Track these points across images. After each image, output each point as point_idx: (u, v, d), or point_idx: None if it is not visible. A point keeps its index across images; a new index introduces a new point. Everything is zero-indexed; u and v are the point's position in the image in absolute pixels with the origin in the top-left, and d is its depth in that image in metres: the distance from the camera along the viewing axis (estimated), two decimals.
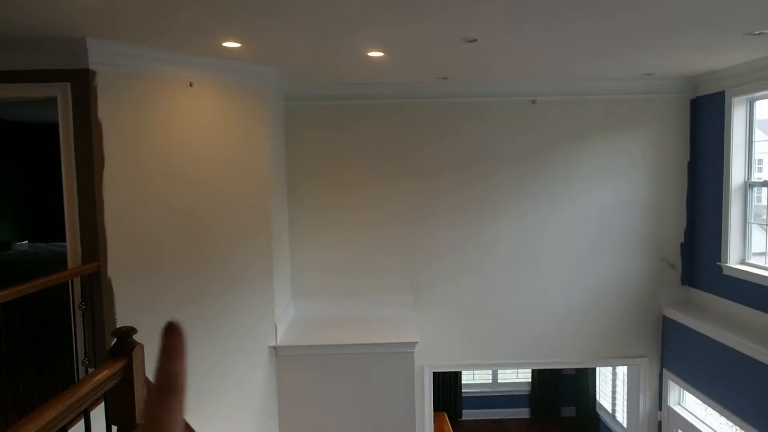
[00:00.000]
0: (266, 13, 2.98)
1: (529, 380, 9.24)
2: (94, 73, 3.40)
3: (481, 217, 5.36)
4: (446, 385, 9.02)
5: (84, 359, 3.45)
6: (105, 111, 3.50)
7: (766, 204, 4.82)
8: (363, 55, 3.91)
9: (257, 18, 3.06)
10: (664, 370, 5.40)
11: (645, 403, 5.50)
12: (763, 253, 4.74)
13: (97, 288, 3.54)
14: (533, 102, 5.24)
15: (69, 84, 3.40)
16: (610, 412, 8.09)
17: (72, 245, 3.55)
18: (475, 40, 3.50)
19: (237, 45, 3.60)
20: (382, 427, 4.68)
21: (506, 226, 5.37)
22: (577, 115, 5.27)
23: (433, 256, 5.39)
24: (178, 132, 3.89)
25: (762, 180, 4.70)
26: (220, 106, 4.14)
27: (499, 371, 9.29)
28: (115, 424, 1.67)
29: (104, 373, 1.55)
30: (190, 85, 3.91)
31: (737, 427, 4.43)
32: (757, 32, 3.47)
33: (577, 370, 8.83)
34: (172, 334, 0.43)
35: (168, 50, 3.70)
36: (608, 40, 3.63)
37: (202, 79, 3.97)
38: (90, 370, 3.37)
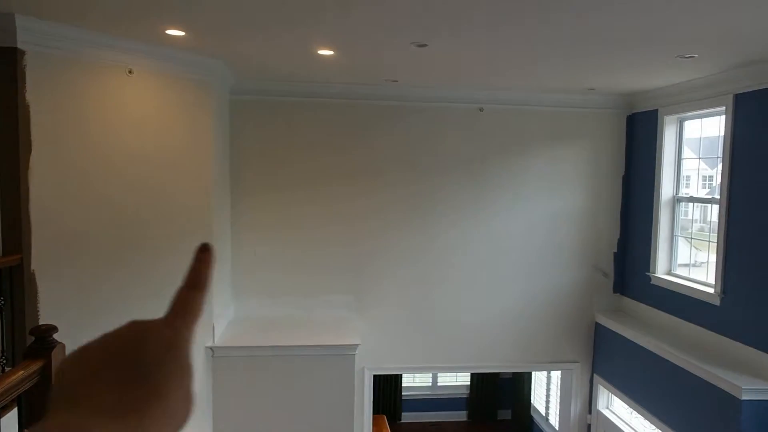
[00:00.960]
0: (212, 3, 2.89)
1: (468, 383, 9.40)
2: (22, 52, 3.18)
3: (425, 221, 5.41)
4: (387, 387, 9.03)
5: (1, 358, 3.21)
6: (34, 94, 3.27)
7: (691, 218, 5.11)
8: (313, 53, 3.86)
9: (202, 6, 2.96)
10: (595, 375, 5.62)
11: (576, 407, 5.70)
12: (687, 264, 5.03)
13: (18, 282, 3.31)
14: (480, 109, 5.35)
15: None
16: (544, 415, 8.35)
17: None
18: (425, 45, 3.53)
19: (181, 33, 3.46)
20: (321, 429, 4.62)
21: (448, 232, 5.44)
22: (521, 124, 5.42)
23: (376, 259, 5.38)
24: (114, 120, 3.70)
25: (689, 195, 4.98)
26: (161, 95, 3.98)
27: (439, 375, 9.40)
28: (28, 429, 1.55)
29: (19, 375, 1.43)
30: (130, 72, 3.72)
31: (659, 430, 4.66)
32: (688, 56, 3.67)
33: (514, 374, 9.06)
34: (206, 249, 0.52)
35: (106, 34, 3.51)
36: (553, 51, 3.75)
37: (142, 66, 3.80)
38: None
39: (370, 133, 5.28)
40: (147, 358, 0.44)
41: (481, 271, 5.49)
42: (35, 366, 1.48)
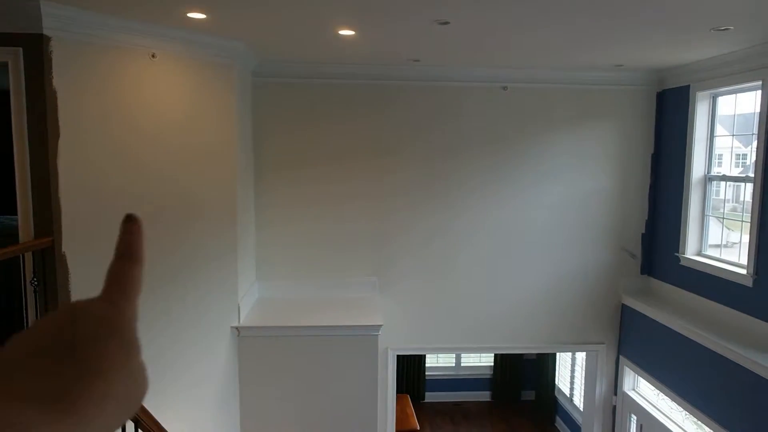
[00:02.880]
0: None
1: (492, 364, 9.41)
2: (48, 38, 3.22)
3: (448, 201, 5.37)
4: (410, 367, 9.11)
5: None
6: (61, 80, 3.33)
7: (723, 198, 4.96)
8: (334, 33, 3.82)
9: None
10: (621, 356, 5.56)
11: (601, 388, 5.67)
12: (718, 245, 4.90)
13: (50, 264, 3.41)
14: (504, 88, 5.25)
15: (21, 49, 3.21)
16: (568, 396, 8.33)
17: (24, 219, 3.39)
18: (447, 23, 3.46)
19: (202, 16, 3.46)
20: (345, 409, 4.69)
21: (474, 213, 5.40)
22: (547, 103, 5.31)
23: (399, 241, 5.38)
24: (139, 104, 3.74)
25: (721, 174, 4.83)
26: (185, 79, 4.00)
27: (463, 355, 9.43)
28: None
29: None
30: (153, 56, 3.75)
31: (686, 412, 4.61)
32: (723, 28, 3.52)
33: (538, 355, 9.04)
34: (132, 219, 0.47)
35: (129, 18, 3.53)
36: (581, 30, 3.64)
37: (165, 50, 3.82)
38: None
39: (392, 114, 5.24)
40: (81, 337, 0.40)
41: (506, 252, 5.45)
42: None
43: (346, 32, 3.79)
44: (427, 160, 5.30)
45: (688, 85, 4.87)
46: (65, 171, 3.41)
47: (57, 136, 3.36)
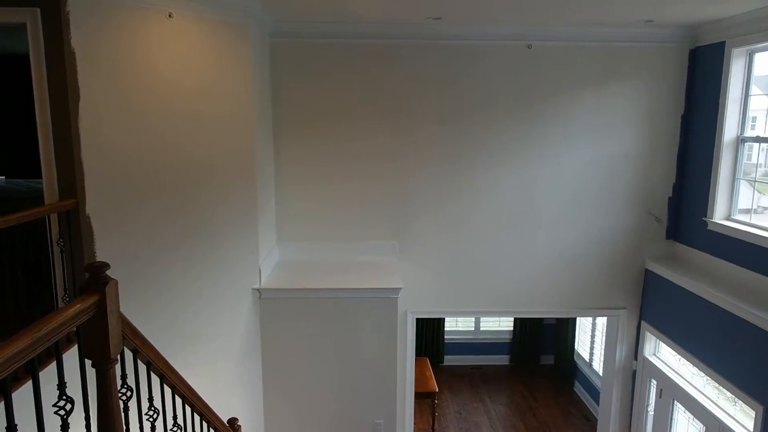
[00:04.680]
0: None
1: (511, 329, 9.46)
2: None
3: (470, 166, 5.29)
4: (429, 331, 9.21)
5: (64, 296, 3.41)
6: (79, 40, 3.31)
7: (756, 162, 4.79)
8: None
9: None
10: (642, 321, 5.52)
11: (621, 353, 5.65)
12: (748, 210, 4.76)
13: (75, 225, 3.47)
14: (528, 47, 5.08)
15: (38, 10, 3.20)
16: (587, 360, 8.35)
17: (48, 181, 3.44)
18: None
19: None
20: (365, 371, 4.76)
21: (496, 176, 5.32)
22: (573, 62, 5.13)
23: (420, 204, 5.35)
24: (157, 65, 3.71)
25: (755, 136, 4.65)
26: (201, 39, 3.94)
27: (482, 319, 9.49)
28: (88, 358, 1.63)
29: (76, 308, 1.50)
30: (170, 16, 3.70)
31: (708, 378, 4.58)
32: None
33: (557, 320, 9.04)
34: None
35: None
36: None
37: (182, 9, 3.76)
38: None
39: (412, 73, 5.12)
40: None
41: (527, 214, 5.38)
42: (91, 300, 1.54)
43: None
44: (449, 120, 5.20)
45: (723, 42, 4.65)
46: (87, 133, 3.42)
47: (77, 98, 3.37)
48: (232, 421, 3.36)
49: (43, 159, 3.42)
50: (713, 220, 4.78)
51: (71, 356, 1.83)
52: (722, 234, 4.68)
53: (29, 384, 1.42)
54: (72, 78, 3.33)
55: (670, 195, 5.37)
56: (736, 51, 4.54)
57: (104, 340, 1.61)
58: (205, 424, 2.97)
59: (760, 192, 4.74)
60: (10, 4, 3.20)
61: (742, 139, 4.67)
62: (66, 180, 3.43)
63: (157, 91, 3.74)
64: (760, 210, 4.73)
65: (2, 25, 3.31)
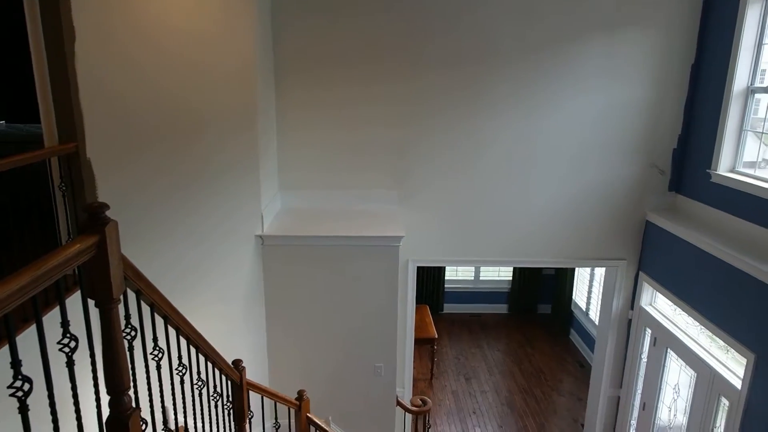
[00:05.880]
0: None
1: (510, 278, 9.59)
2: None
3: (473, 115, 5.21)
4: (429, 279, 9.34)
5: (68, 240, 3.44)
6: None
7: (765, 116, 4.70)
8: None
9: None
10: (641, 272, 5.57)
11: (618, 303, 5.74)
12: (753, 163, 4.71)
13: (76, 169, 3.45)
14: None
15: None
16: (584, 310, 8.50)
17: (47, 124, 3.40)
18: None
19: None
20: (366, 317, 4.86)
21: (499, 125, 5.24)
22: (579, 7, 4.96)
23: (423, 154, 5.31)
24: (155, 7, 3.60)
25: (765, 86, 4.54)
26: None
27: (482, 269, 9.60)
28: (91, 298, 1.66)
29: (76, 247, 1.51)
30: None
31: (702, 327, 4.66)
32: None
33: (556, 270, 9.15)
34: None
35: None
36: None
37: None
38: None
39: (415, 17, 4.97)
40: None
41: (528, 163, 5.34)
42: (91, 240, 1.55)
43: None
44: (452, 66, 5.09)
45: None
46: (84, 75, 3.36)
47: (73, 38, 3.29)
48: (237, 363, 3.46)
49: (41, 103, 3.37)
50: (717, 172, 4.74)
51: (76, 300, 1.87)
52: (726, 186, 4.66)
53: (33, 328, 1.45)
54: (66, 17, 3.23)
55: (675, 147, 5.31)
56: None
57: (106, 280, 1.63)
58: (209, 365, 3.06)
59: (766, 145, 4.68)
60: None
61: (752, 90, 4.56)
62: (66, 124, 3.39)
63: (155, 34, 3.64)
64: (763, 165, 4.68)
65: None
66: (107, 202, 1.65)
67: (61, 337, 1.54)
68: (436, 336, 7.35)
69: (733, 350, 4.30)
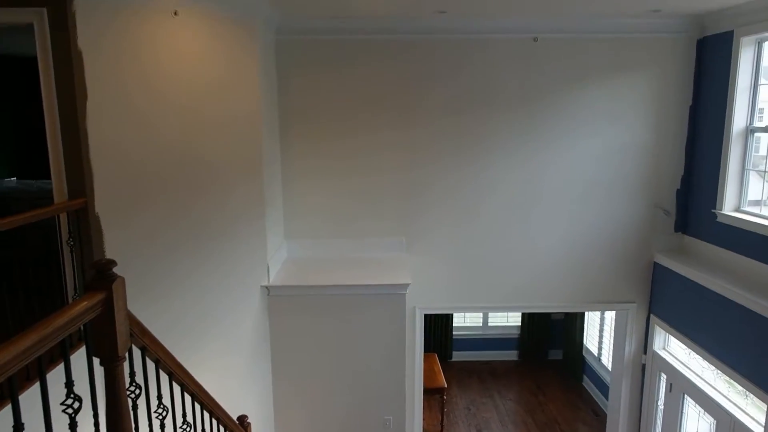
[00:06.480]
0: None
1: (519, 324, 9.43)
2: None
3: (477, 160, 5.27)
4: (437, 327, 9.20)
5: (75, 295, 3.43)
6: (85, 40, 3.32)
7: (765, 154, 4.74)
8: None
9: None
10: (652, 315, 5.48)
11: (630, 347, 5.62)
12: (758, 202, 4.71)
13: (84, 224, 3.48)
14: (535, 39, 5.05)
15: (45, 9, 3.21)
16: (596, 355, 8.31)
17: (57, 181, 3.46)
18: None
19: None
20: (373, 367, 4.77)
21: (502, 170, 5.30)
22: (579, 54, 5.10)
23: (427, 200, 5.34)
24: (164, 64, 3.72)
25: (764, 126, 4.59)
26: (207, 37, 3.95)
27: (490, 315, 9.47)
28: (96, 356, 1.64)
29: (82, 305, 1.50)
30: (175, 13, 3.70)
31: (718, 371, 4.54)
32: None
33: (566, 314, 9.01)
34: None
35: None
36: None
37: (187, 6, 3.76)
38: None
39: (418, 67, 5.11)
40: None
41: (534, 208, 5.36)
42: (97, 297, 1.55)
43: None
44: (455, 113, 5.19)
45: (732, 31, 4.60)
46: (94, 132, 3.44)
47: (85, 97, 3.38)
48: (242, 419, 3.38)
49: (52, 158, 3.43)
50: (723, 212, 4.73)
51: (80, 356, 1.85)
52: (732, 226, 4.64)
53: (37, 385, 1.43)
54: (79, 78, 3.34)
55: (679, 187, 5.32)
56: (744, 40, 4.49)
57: (112, 337, 1.62)
58: (214, 422, 2.99)
59: None
60: (17, 4, 3.22)
61: (751, 130, 4.61)
62: (75, 180, 3.44)
63: (163, 89, 3.75)
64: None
65: (9, 25, 3.34)
66: (114, 256, 1.66)
67: (65, 398, 1.52)
68: (446, 385, 7.17)
69: (752, 395, 4.17)
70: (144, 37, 3.60)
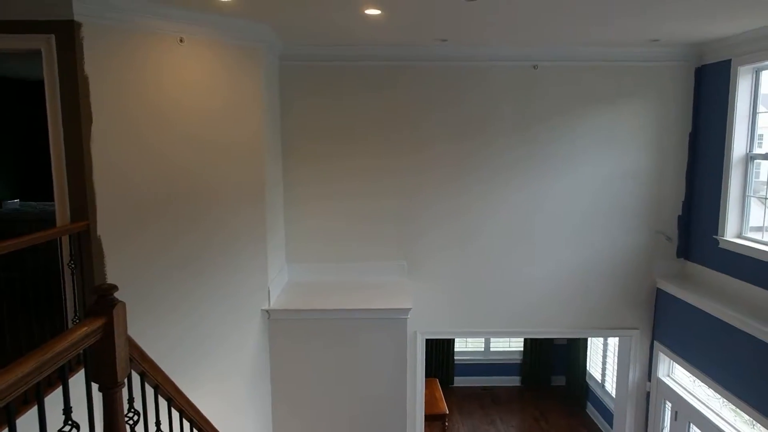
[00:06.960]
0: None
1: (521, 349, 9.34)
2: (79, 24, 3.27)
3: (478, 185, 5.29)
4: (439, 352, 9.11)
5: (74, 318, 3.42)
6: (92, 65, 3.38)
7: (766, 180, 4.75)
8: (359, 13, 3.77)
9: None
10: (655, 342, 5.43)
11: (634, 374, 5.55)
12: (760, 228, 4.70)
13: (86, 247, 3.49)
14: (534, 67, 5.12)
15: (53, 36, 3.27)
16: (600, 382, 8.20)
17: (60, 203, 3.48)
18: None
19: None
20: (374, 392, 4.71)
21: (503, 196, 5.31)
22: (578, 81, 5.16)
23: (428, 224, 5.34)
24: (168, 89, 3.78)
25: (764, 153, 4.62)
26: (212, 63, 4.02)
27: (492, 340, 9.38)
28: (95, 382, 1.63)
29: (82, 331, 1.50)
30: (181, 41, 3.77)
31: (724, 399, 4.48)
32: None
33: (568, 340, 8.92)
34: None
35: (157, 3, 3.55)
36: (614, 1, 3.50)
37: (193, 34, 3.84)
38: None
39: (419, 94, 5.17)
40: None
41: (536, 234, 5.36)
42: (98, 323, 1.54)
43: (372, 12, 3.73)
44: (456, 139, 5.23)
45: (729, 60, 4.66)
46: (98, 156, 3.47)
47: (90, 121, 3.43)
48: None
49: (55, 181, 3.46)
50: (725, 238, 4.73)
51: (79, 380, 1.84)
52: (734, 252, 4.63)
53: (35, 409, 1.42)
54: (85, 102, 3.39)
55: (680, 213, 5.33)
56: (742, 69, 4.54)
57: (111, 363, 1.61)
58: None
59: None
60: (26, 30, 3.28)
61: (751, 156, 4.64)
62: (78, 202, 3.46)
63: (167, 115, 3.79)
64: None
65: (18, 51, 3.39)
66: (115, 278, 1.66)
67: (62, 425, 1.50)
68: (447, 412, 7.07)
69: (759, 424, 4.11)
70: (149, 64, 3.66)
